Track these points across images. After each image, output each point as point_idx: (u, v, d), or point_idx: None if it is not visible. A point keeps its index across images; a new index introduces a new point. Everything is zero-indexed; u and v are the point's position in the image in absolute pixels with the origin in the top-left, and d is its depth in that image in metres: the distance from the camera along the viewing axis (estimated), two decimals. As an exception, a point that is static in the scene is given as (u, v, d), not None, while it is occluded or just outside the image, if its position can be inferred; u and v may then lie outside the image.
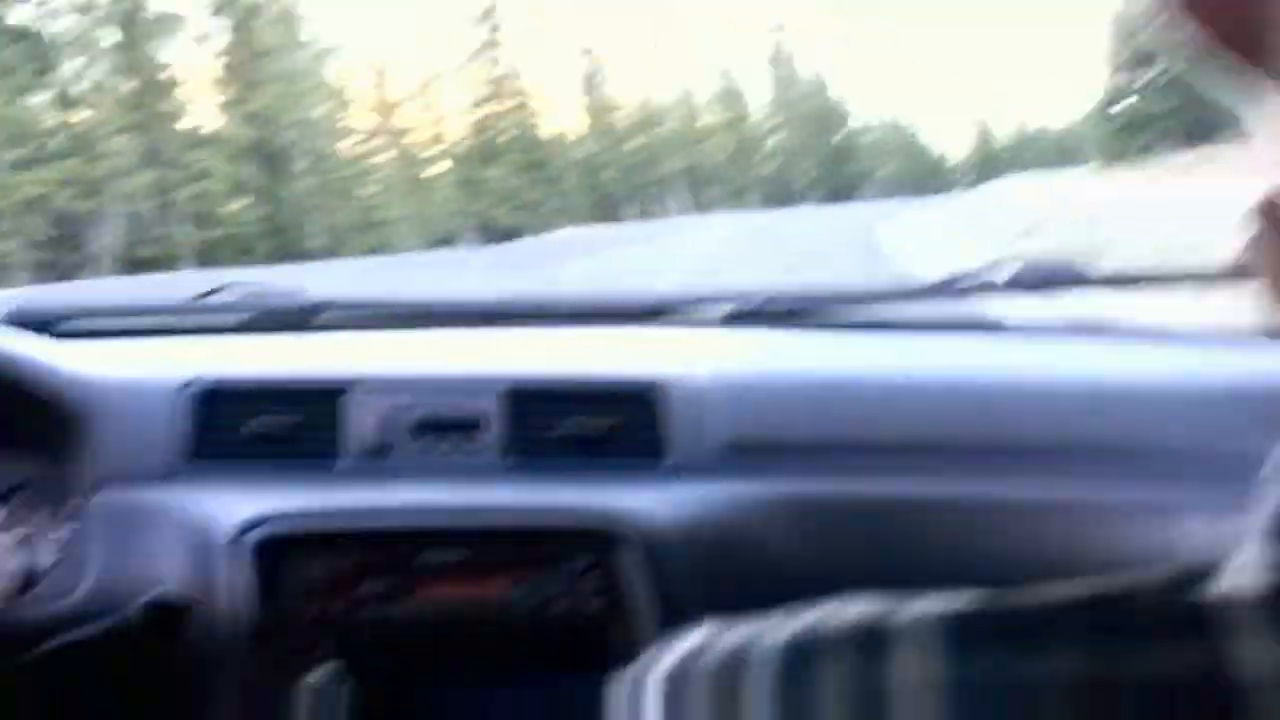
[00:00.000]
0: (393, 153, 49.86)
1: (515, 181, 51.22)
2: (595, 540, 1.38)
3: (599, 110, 62.27)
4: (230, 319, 1.75)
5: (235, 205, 40.53)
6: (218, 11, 40.88)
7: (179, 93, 39.35)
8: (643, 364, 1.55)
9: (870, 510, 1.45)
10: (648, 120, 64.56)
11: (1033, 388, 1.56)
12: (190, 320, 1.77)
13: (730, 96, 67.90)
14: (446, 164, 51.88)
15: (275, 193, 41.41)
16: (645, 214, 58.55)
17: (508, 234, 45.46)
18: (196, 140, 39.92)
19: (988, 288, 1.81)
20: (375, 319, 1.78)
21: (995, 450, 1.48)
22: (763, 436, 1.48)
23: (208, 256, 36.78)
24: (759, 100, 69.73)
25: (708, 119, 67.31)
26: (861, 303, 1.83)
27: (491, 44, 53.93)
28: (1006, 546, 1.45)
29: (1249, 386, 1.50)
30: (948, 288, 1.86)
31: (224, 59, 41.24)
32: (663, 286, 13.69)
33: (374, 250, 41.14)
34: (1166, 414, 1.49)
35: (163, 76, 38.50)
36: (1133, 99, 35.26)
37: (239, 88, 41.04)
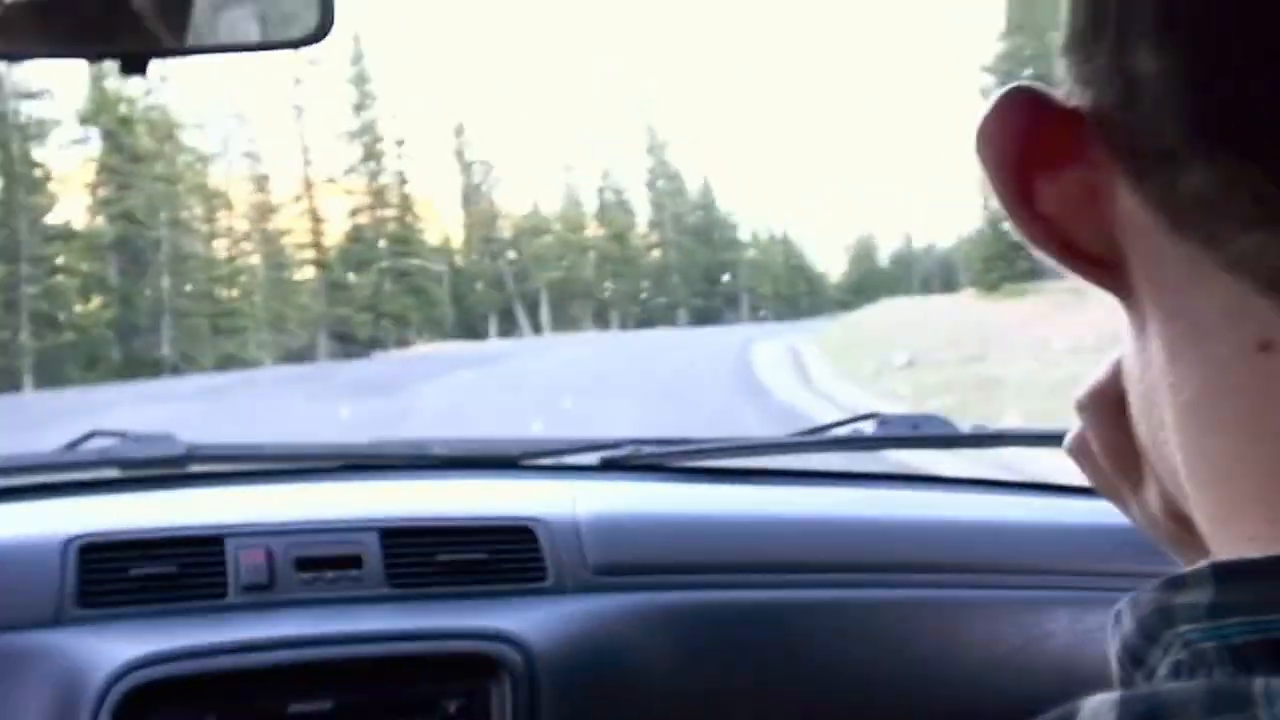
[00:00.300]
0: (263, 255, 49.28)
1: (382, 290, 50.85)
2: (472, 668, 1.44)
3: (481, 220, 62.10)
4: (103, 474, 1.81)
5: (86, 306, 39.84)
6: (85, 122, 41.17)
7: (50, 188, 39.80)
8: (517, 507, 1.65)
9: (736, 615, 1.57)
10: (530, 231, 64.31)
11: (886, 524, 1.73)
12: (63, 476, 1.82)
13: (615, 208, 68.51)
14: (313, 270, 51.00)
15: (131, 291, 40.79)
16: (506, 331, 58.51)
17: (368, 345, 45.09)
18: (57, 234, 39.74)
19: (856, 441, 1.93)
20: (247, 468, 1.85)
21: (857, 567, 1.63)
22: (633, 560, 1.59)
23: (52, 367, 35.52)
24: (646, 213, 70.46)
25: (592, 231, 67.39)
26: (731, 454, 1.93)
27: (371, 155, 53.92)
28: (872, 644, 1.59)
29: (1076, 526, 1.70)
30: (815, 440, 1.97)
31: (98, 162, 41.53)
32: (520, 409, 13.58)
33: (226, 359, 40.17)
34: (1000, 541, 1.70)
35: (35, 174, 39.16)
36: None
37: (113, 188, 41.22)
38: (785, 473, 1.93)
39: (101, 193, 41.50)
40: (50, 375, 34.48)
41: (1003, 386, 12.78)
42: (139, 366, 36.80)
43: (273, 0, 1.18)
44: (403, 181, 54.82)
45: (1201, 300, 0.39)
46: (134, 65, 1.08)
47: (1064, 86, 0.42)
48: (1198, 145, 0.37)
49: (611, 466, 1.83)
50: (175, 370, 37.08)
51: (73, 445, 1.82)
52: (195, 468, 1.81)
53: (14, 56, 1.25)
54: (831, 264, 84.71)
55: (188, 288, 42.94)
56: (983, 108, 0.42)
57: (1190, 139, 0.37)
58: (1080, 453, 0.50)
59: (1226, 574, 0.36)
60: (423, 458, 1.83)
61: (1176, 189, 0.38)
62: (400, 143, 54.69)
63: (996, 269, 35.17)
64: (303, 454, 1.87)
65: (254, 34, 1.16)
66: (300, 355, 43.48)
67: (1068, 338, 13.87)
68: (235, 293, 46.95)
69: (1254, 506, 0.38)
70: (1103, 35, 0.40)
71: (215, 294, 45.11)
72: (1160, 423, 0.42)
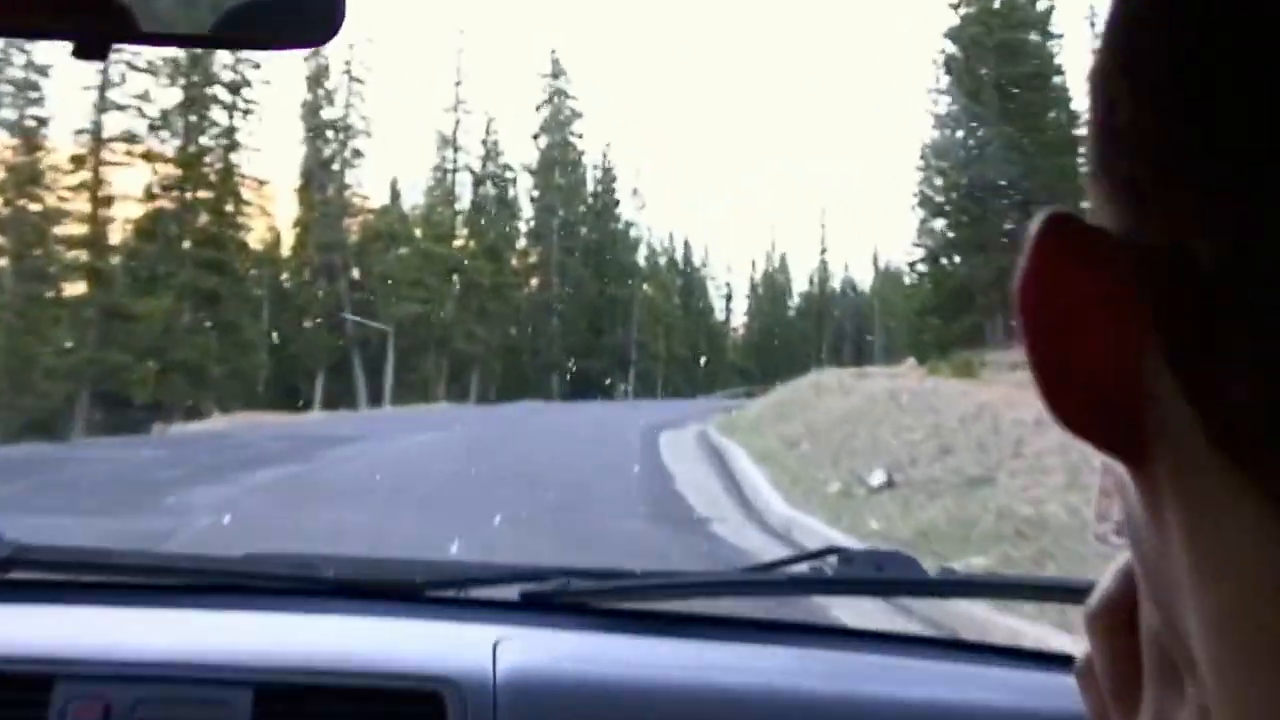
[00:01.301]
0: (13, 258, 42.68)
1: (178, 322, 44.81)
2: None
3: (322, 217, 57.53)
4: None
5: None
6: None
7: None
8: (424, 652, 1.76)
9: None
10: (387, 236, 60.11)
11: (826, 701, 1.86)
12: None
13: (495, 205, 65.95)
14: (85, 285, 44.33)
15: None
16: (335, 395, 54.13)
17: (146, 412, 40.23)
18: None
19: (815, 584, 2.15)
20: (90, 580, 1.95)
21: None
22: None
23: None
24: (529, 213, 68.25)
25: (461, 241, 63.82)
26: (672, 594, 2.13)
27: (195, 102, 47.05)
28: None
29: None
30: (768, 579, 2.19)
31: None
32: (371, 524, 13.04)
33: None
34: None
35: None
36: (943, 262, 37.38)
37: None
38: (736, 622, 2.11)
39: None
40: None
41: (1047, 542, 10.35)
42: None
43: None
44: (229, 146, 48.36)
45: (1234, 521, 0.41)
46: (92, 50, 1.16)
47: (1095, 208, 0.45)
48: (1260, 351, 0.39)
49: (535, 604, 1.97)
50: None
51: None
52: (19, 574, 1.90)
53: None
54: (730, 295, 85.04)
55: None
56: (1025, 248, 0.45)
57: (1246, 339, 0.39)
58: (1089, 676, 0.54)
59: None
60: (309, 580, 1.94)
61: (1222, 393, 0.40)
62: (236, 88, 47.98)
63: (931, 328, 35.43)
64: (162, 567, 1.98)
65: (250, 26, 1.22)
66: (47, 425, 38.28)
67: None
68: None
69: None
70: (1156, 189, 0.42)
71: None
72: (1179, 616, 0.45)
